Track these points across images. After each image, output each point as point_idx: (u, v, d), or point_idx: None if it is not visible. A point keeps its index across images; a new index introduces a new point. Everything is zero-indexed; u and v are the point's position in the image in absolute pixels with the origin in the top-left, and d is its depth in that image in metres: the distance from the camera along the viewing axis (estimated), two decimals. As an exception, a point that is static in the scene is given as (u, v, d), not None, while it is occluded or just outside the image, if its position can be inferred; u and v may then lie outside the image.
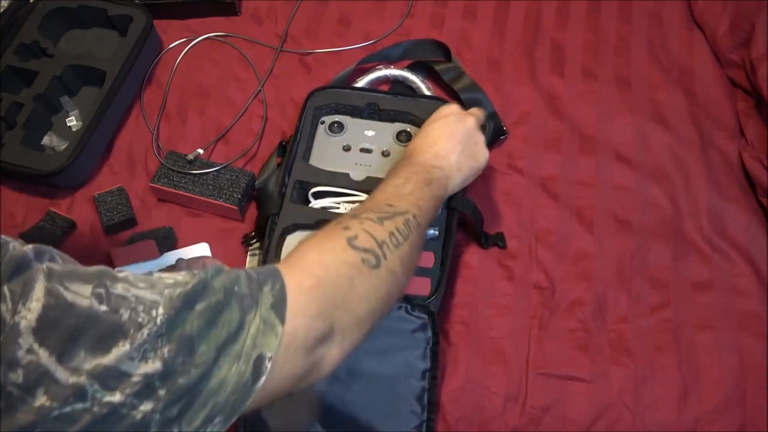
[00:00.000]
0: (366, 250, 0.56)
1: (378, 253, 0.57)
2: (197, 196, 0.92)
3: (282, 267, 0.52)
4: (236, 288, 0.46)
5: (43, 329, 0.38)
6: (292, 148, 0.92)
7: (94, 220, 0.94)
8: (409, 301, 0.78)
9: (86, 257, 0.91)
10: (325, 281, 0.53)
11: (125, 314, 0.40)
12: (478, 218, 0.88)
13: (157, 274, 0.45)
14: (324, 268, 0.54)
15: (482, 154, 0.78)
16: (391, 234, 0.59)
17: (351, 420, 0.75)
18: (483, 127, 0.81)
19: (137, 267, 0.87)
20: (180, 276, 0.45)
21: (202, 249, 0.89)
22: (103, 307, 0.40)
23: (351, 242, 0.56)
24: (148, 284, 0.43)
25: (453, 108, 0.79)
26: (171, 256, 0.88)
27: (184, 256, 0.88)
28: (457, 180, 0.75)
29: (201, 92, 1.06)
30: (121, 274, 0.43)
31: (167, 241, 0.90)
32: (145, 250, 0.87)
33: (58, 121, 1.02)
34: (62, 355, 0.38)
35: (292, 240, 0.86)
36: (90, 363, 0.39)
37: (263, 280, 0.49)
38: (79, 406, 0.38)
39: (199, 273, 0.45)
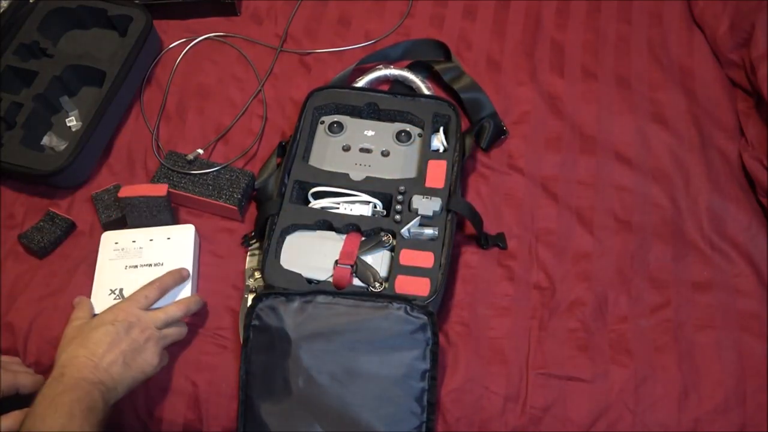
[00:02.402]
0: None
1: None
2: (197, 196, 0.92)
3: None
4: None
5: None
6: (292, 148, 0.92)
7: (94, 219, 0.94)
8: (408, 301, 0.78)
9: (86, 257, 0.91)
10: None
11: None
12: (477, 219, 0.88)
13: None
14: None
15: (149, 364, 0.75)
16: None
17: (350, 421, 0.75)
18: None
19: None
20: None
21: (187, 230, 0.89)
22: None
23: None
24: None
25: (121, 315, 0.76)
26: (156, 234, 0.89)
27: (170, 235, 0.88)
28: (119, 392, 0.72)
29: (201, 92, 1.06)
30: None
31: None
32: (155, 188, 0.90)
33: (58, 121, 1.02)
34: None
35: (291, 240, 0.86)
36: None
37: None
38: None
39: None
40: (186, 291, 0.85)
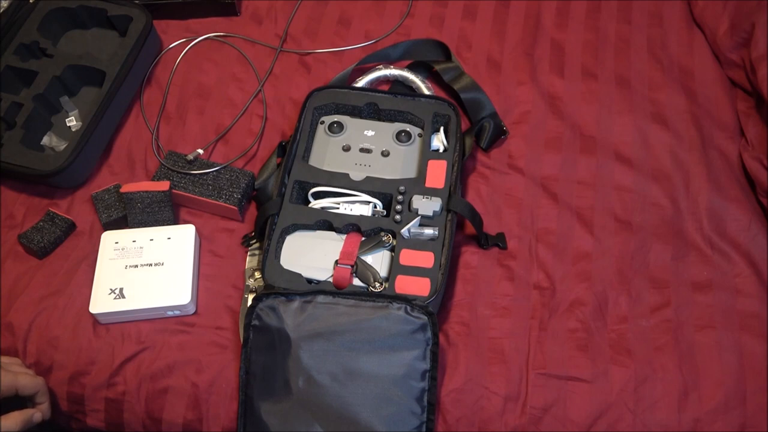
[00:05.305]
0: None
1: None
2: (197, 197, 0.92)
3: None
4: None
5: None
6: (292, 149, 0.92)
7: (94, 219, 0.94)
8: (408, 301, 0.78)
9: (86, 257, 0.91)
10: None
11: None
12: (477, 219, 0.88)
13: None
14: None
15: None
16: None
17: (350, 421, 0.75)
18: None
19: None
20: None
21: (187, 230, 0.89)
22: None
23: None
24: None
25: None
26: (156, 234, 0.89)
27: (170, 235, 0.89)
28: None
29: (201, 92, 1.06)
30: None
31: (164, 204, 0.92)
32: (158, 184, 0.91)
33: (58, 121, 1.02)
34: None
35: (291, 240, 0.86)
36: None
37: None
38: None
39: None
40: (186, 291, 0.85)
